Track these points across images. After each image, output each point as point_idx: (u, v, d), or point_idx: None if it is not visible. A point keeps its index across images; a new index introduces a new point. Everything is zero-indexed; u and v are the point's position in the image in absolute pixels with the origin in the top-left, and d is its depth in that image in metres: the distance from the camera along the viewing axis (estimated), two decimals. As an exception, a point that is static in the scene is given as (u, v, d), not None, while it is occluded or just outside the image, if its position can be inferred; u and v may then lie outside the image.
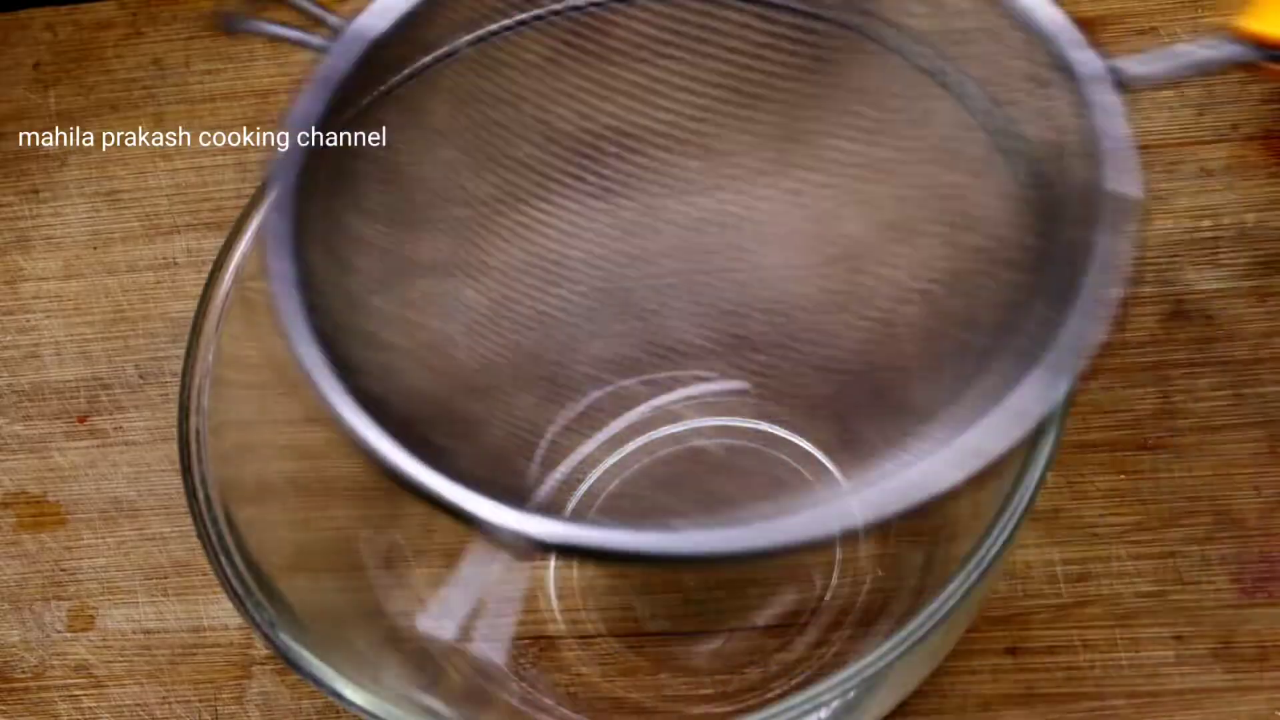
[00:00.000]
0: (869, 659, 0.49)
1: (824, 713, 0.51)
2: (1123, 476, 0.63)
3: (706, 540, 0.43)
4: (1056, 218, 0.49)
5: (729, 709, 0.61)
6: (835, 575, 0.62)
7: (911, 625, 0.49)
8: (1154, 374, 0.64)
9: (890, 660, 0.49)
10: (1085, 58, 0.47)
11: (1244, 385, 0.63)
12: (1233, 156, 0.67)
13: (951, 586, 0.49)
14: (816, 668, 0.60)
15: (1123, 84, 0.47)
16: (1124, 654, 0.60)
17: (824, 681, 0.49)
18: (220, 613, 0.65)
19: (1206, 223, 0.67)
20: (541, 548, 0.44)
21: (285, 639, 0.52)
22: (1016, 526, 0.50)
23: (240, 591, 0.53)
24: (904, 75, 0.50)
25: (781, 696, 0.50)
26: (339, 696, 0.51)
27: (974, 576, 0.49)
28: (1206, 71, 0.47)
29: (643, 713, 0.61)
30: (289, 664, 0.52)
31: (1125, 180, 0.46)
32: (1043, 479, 0.50)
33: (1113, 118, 0.46)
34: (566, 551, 0.44)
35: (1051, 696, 0.60)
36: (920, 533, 0.62)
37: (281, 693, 0.63)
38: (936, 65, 0.49)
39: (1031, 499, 0.50)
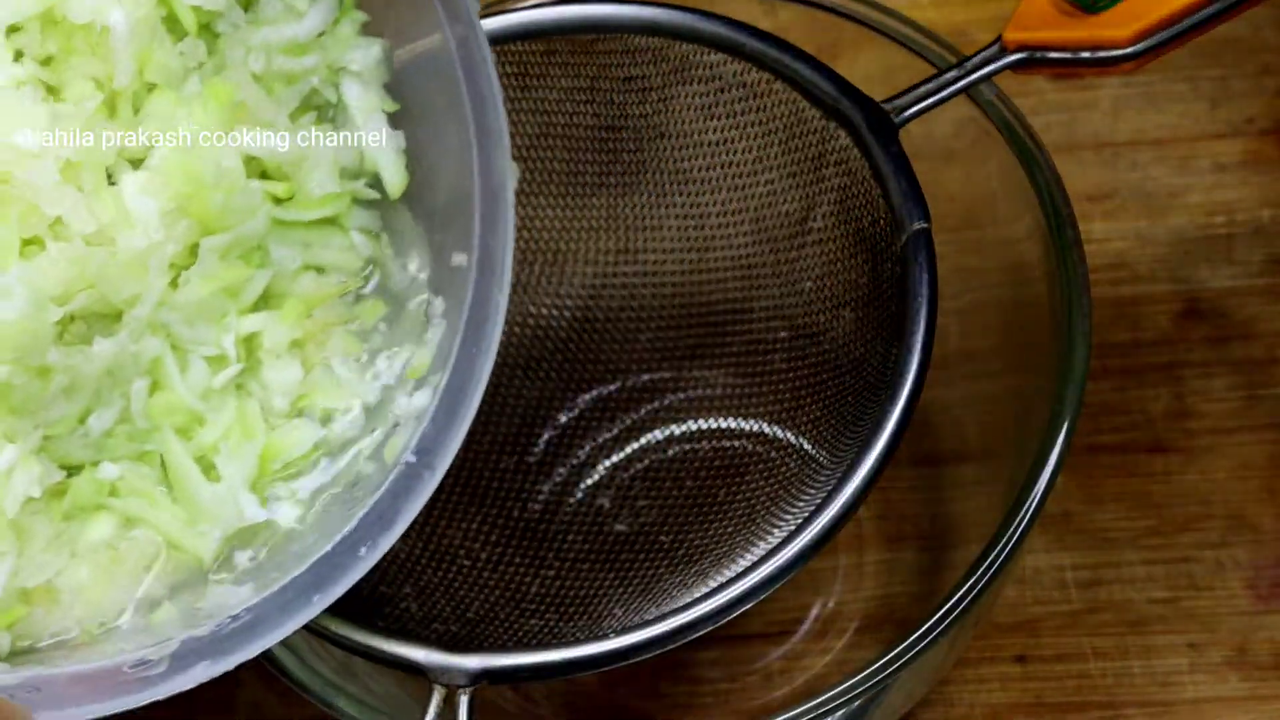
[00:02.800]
0: (873, 667, 0.49)
1: (828, 722, 0.50)
2: (1134, 479, 0.62)
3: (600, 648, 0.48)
4: (878, 255, 0.53)
5: (730, 717, 0.60)
6: (839, 581, 0.62)
7: (917, 633, 0.49)
8: (1167, 374, 0.64)
9: (895, 669, 0.48)
10: (859, 106, 0.53)
11: (1259, 386, 0.63)
12: (1247, 151, 0.67)
13: (959, 593, 0.49)
14: (820, 676, 0.60)
15: (897, 125, 0.52)
16: (1136, 662, 0.59)
17: (827, 690, 0.49)
18: (209, 619, 0.64)
19: (1220, 219, 0.66)
20: (481, 678, 0.48)
21: (274, 648, 0.51)
22: (1026, 531, 0.49)
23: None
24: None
25: (784, 705, 0.50)
26: (329, 705, 0.51)
27: (982, 582, 0.49)
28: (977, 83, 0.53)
29: (641, 721, 0.61)
30: (276, 673, 0.52)
31: (913, 213, 0.51)
32: (1053, 482, 0.50)
33: (892, 158, 0.52)
34: (501, 677, 0.48)
35: (1061, 706, 0.59)
36: (927, 537, 0.62)
37: (270, 702, 0.62)
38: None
39: (1041, 502, 0.50)
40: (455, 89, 0.46)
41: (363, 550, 0.46)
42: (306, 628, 0.49)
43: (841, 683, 0.49)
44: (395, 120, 0.49)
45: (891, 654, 0.49)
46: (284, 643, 0.51)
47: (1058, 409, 0.51)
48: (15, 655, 0.44)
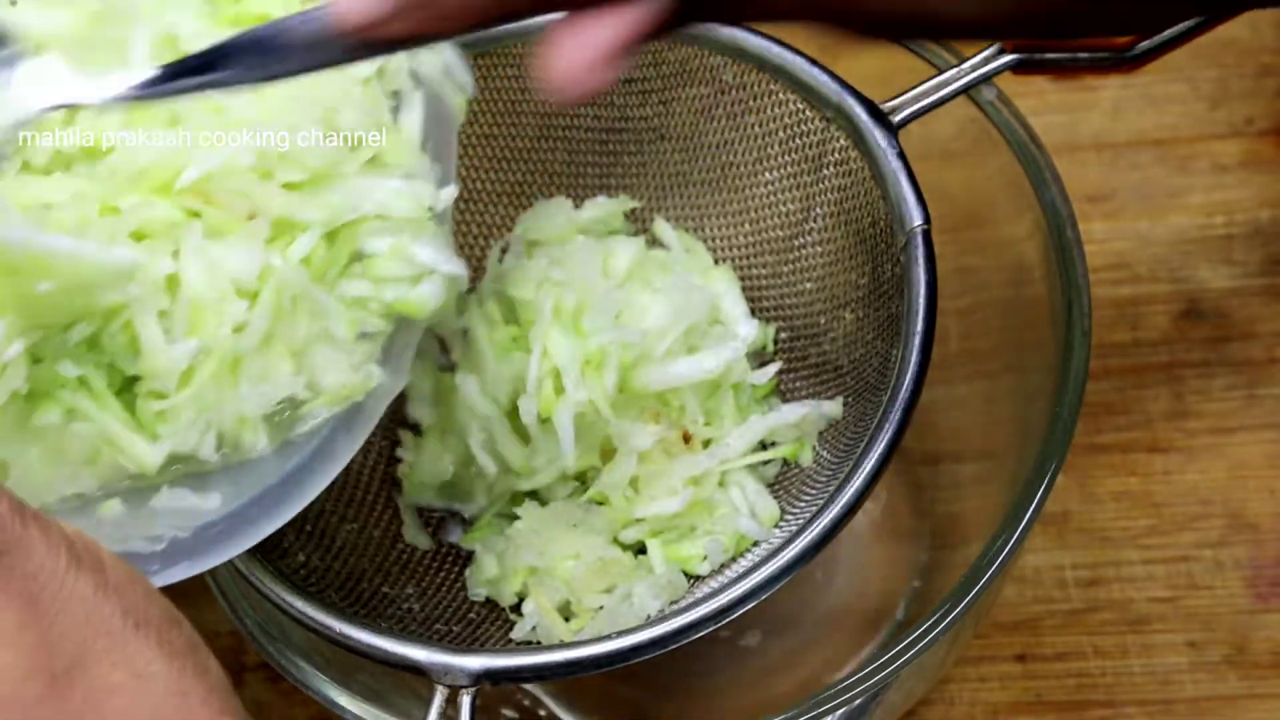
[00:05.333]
0: (873, 666, 0.48)
1: (828, 720, 0.50)
2: (1134, 479, 0.62)
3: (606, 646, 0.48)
4: (878, 256, 0.53)
5: (731, 715, 0.60)
6: (840, 581, 0.61)
7: (917, 632, 0.49)
8: (1166, 374, 0.63)
9: (896, 668, 0.48)
10: (859, 107, 0.53)
11: (1258, 385, 0.63)
12: (1247, 151, 0.67)
13: (959, 593, 0.49)
14: (820, 674, 0.60)
15: (897, 125, 0.52)
16: (1136, 661, 0.59)
17: (827, 689, 0.49)
18: (212, 619, 0.63)
19: (1220, 219, 0.66)
20: (483, 679, 0.48)
21: (276, 646, 0.51)
22: (1026, 530, 0.49)
23: (231, 597, 0.52)
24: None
25: (784, 703, 0.50)
26: (331, 703, 0.51)
27: (982, 582, 0.49)
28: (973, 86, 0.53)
29: (641, 716, 0.60)
30: (280, 670, 0.51)
31: (913, 214, 0.51)
32: (1053, 482, 0.50)
33: (892, 159, 0.52)
34: (503, 677, 0.48)
35: (1062, 704, 0.59)
36: (927, 537, 0.62)
37: (274, 701, 0.62)
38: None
39: (1041, 502, 0.50)
40: None
41: (328, 458, 0.48)
42: (309, 628, 0.50)
43: (841, 681, 0.48)
44: None
45: (892, 653, 0.48)
46: (287, 643, 0.51)
47: (1058, 409, 0.50)
48: None
